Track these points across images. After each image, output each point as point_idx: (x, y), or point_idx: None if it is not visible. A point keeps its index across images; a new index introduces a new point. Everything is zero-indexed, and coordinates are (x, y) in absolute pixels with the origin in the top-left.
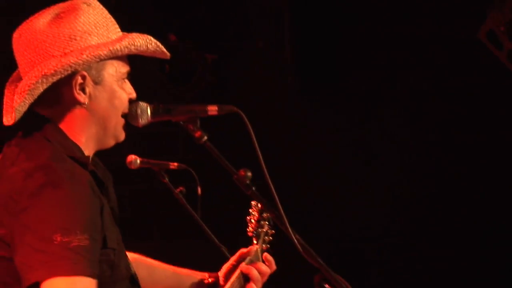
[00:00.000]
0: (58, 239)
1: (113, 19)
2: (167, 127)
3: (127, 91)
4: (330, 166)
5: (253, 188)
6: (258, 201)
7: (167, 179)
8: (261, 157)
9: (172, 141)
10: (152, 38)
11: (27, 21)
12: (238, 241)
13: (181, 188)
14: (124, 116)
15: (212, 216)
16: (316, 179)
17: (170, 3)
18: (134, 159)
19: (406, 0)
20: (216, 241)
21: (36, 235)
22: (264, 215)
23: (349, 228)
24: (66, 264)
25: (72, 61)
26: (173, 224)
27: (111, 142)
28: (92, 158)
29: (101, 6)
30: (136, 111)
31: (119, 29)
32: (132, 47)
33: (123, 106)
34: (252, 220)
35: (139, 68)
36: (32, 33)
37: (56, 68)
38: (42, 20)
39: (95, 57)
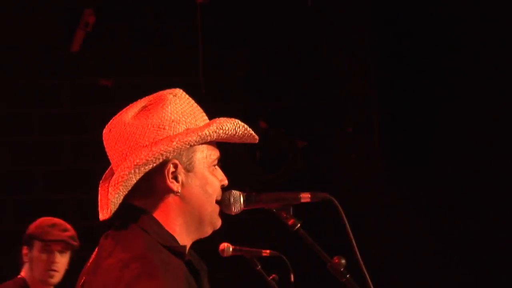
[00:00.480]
0: None
1: (199, 108)
2: (258, 214)
3: (219, 178)
4: (424, 250)
5: (348, 276)
6: None
7: (259, 267)
8: (355, 244)
9: (264, 228)
10: (240, 122)
11: (116, 116)
12: None
13: (273, 275)
14: (217, 203)
15: None
16: (411, 264)
17: (260, 90)
18: (226, 247)
19: (502, 81)
20: None
21: None
22: None
23: None
24: None
25: (162, 149)
26: None
27: (208, 230)
28: (189, 249)
29: (187, 96)
30: (229, 199)
31: (206, 117)
32: (221, 131)
33: (216, 192)
34: None
35: (230, 155)
36: (121, 126)
37: (147, 158)
38: (130, 113)
39: (185, 144)
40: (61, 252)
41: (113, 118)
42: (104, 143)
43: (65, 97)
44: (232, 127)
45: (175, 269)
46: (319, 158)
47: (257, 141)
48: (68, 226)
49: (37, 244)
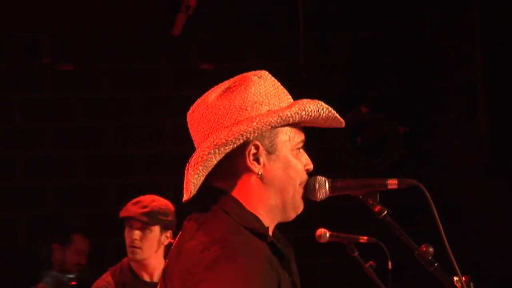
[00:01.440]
0: None
1: (285, 90)
2: (354, 200)
3: (303, 162)
4: None
5: (436, 264)
6: (441, 278)
7: (357, 253)
8: (443, 232)
9: (358, 214)
10: (324, 104)
11: (201, 97)
12: None
13: (371, 262)
14: (301, 187)
15: None
16: (507, 258)
17: (361, 75)
18: (323, 233)
19: None
20: None
21: None
22: None
23: None
24: None
25: (242, 129)
26: None
27: (291, 214)
28: (273, 231)
29: (273, 78)
30: (314, 185)
31: (291, 99)
32: (303, 112)
33: (300, 176)
34: None
35: (330, 140)
36: (204, 107)
37: (227, 138)
38: (213, 94)
39: (266, 124)
40: (140, 229)
41: (198, 99)
42: (188, 124)
43: (165, 80)
44: (315, 108)
45: (255, 251)
46: (420, 145)
47: (343, 125)
48: (152, 203)
49: (125, 223)
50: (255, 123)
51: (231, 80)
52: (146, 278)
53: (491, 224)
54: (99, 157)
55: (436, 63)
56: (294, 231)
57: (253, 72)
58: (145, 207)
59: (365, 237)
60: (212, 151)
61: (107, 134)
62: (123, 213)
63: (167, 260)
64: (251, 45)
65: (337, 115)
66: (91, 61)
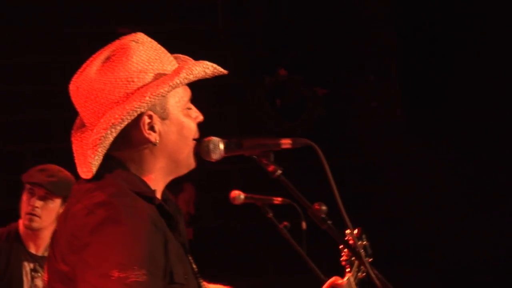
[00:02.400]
0: (116, 275)
1: (164, 50)
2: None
3: (194, 117)
4: (441, 196)
5: (329, 222)
6: (334, 236)
7: (271, 214)
8: (336, 191)
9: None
10: (208, 63)
11: (80, 70)
12: (343, 276)
13: (285, 223)
14: (194, 141)
15: (317, 250)
16: (429, 210)
17: (280, 37)
18: (237, 195)
19: None
20: (321, 275)
21: (95, 271)
22: (360, 243)
23: (467, 260)
24: None
25: (136, 105)
26: (278, 259)
27: (183, 171)
28: (163, 192)
29: (150, 40)
30: (208, 146)
31: (172, 59)
32: (191, 76)
33: (193, 133)
34: (346, 249)
35: (249, 103)
36: (88, 83)
37: (122, 116)
38: (94, 67)
39: (157, 96)
40: (43, 197)
41: (78, 72)
42: (73, 100)
43: (83, 45)
44: (201, 69)
45: (139, 212)
46: (339, 106)
47: (227, 72)
48: (59, 173)
49: (25, 188)
50: (147, 97)
51: (109, 48)
52: (32, 249)
53: (409, 179)
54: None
55: (353, 25)
56: (212, 193)
57: (129, 38)
58: (52, 176)
59: (279, 199)
60: (109, 131)
61: (26, 98)
62: (27, 179)
63: (56, 225)
64: (169, 9)
65: (221, 68)
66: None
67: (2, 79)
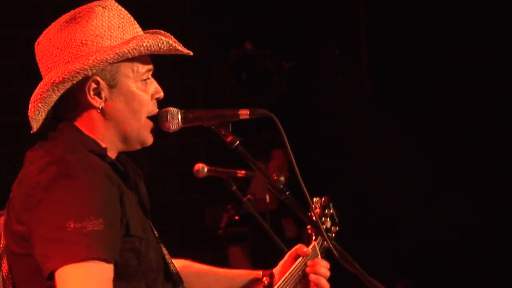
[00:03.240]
0: (72, 225)
1: (132, 20)
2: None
3: (151, 92)
4: (407, 171)
5: (287, 193)
6: (292, 206)
7: (235, 187)
8: (294, 161)
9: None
10: (163, 38)
11: (47, 28)
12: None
13: (249, 196)
14: (151, 118)
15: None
16: (394, 185)
17: (246, 12)
18: (201, 168)
19: (486, 5)
20: (285, 248)
21: (50, 225)
22: (327, 211)
23: (431, 234)
24: (80, 249)
25: (78, 67)
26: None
27: (135, 145)
28: (118, 156)
29: (119, 8)
30: (166, 116)
31: (139, 30)
32: (141, 48)
33: (146, 108)
34: (312, 217)
35: (214, 76)
36: (48, 40)
37: (64, 76)
38: (57, 26)
39: (101, 62)
40: None
41: (45, 30)
42: (36, 56)
43: (48, 17)
44: (154, 43)
45: (93, 166)
46: (305, 80)
47: (191, 54)
48: None
49: None
50: (91, 61)
51: (77, 10)
52: None
53: (375, 154)
54: None
55: None
56: (180, 168)
57: (97, 2)
58: None
59: (243, 171)
60: (50, 89)
61: None
62: None
63: (12, 191)
64: None
65: (181, 47)
66: None
67: None
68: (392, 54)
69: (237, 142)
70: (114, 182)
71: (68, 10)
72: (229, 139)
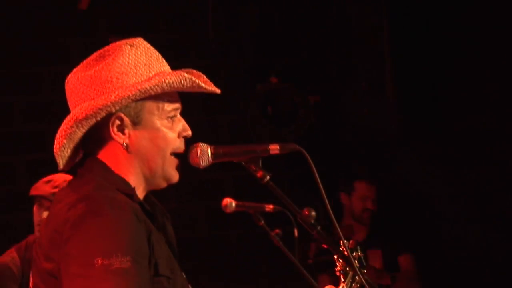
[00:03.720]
0: (99, 262)
1: (160, 58)
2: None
3: (178, 129)
4: (436, 206)
5: (319, 228)
6: (324, 241)
7: (263, 222)
8: (325, 196)
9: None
10: (186, 75)
11: (77, 66)
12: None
13: (277, 230)
14: (176, 155)
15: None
16: (423, 216)
17: (272, 45)
18: (229, 203)
19: None
20: (314, 283)
21: (78, 261)
22: (354, 254)
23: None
24: (108, 286)
25: (101, 103)
26: (270, 267)
27: (161, 183)
28: (146, 196)
29: (147, 46)
30: (196, 152)
31: (167, 67)
32: (164, 84)
33: (171, 145)
34: (340, 259)
35: (241, 110)
36: (76, 78)
37: (87, 112)
38: (86, 63)
39: (124, 98)
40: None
41: (75, 68)
42: (65, 94)
43: (75, 55)
44: (177, 80)
45: (121, 204)
46: (331, 114)
47: (219, 91)
48: (64, 184)
49: (35, 200)
50: (113, 97)
51: (106, 48)
52: None
53: (401, 189)
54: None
55: (346, 32)
56: (207, 202)
57: (126, 40)
58: (56, 186)
59: (271, 206)
60: (75, 125)
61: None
62: (33, 192)
63: (40, 229)
64: (160, 18)
65: (205, 85)
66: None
67: None
68: (418, 87)
69: (267, 177)
70: (141, 221)
71: (94, 49)
72: (260, 174)
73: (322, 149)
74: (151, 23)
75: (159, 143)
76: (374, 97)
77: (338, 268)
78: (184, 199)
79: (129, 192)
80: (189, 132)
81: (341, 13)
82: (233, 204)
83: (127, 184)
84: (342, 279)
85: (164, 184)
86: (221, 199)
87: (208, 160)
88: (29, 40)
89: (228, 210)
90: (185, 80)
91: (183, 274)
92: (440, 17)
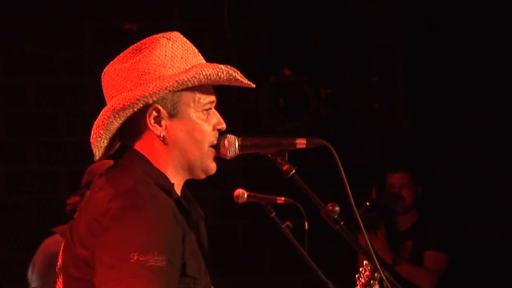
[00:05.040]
0: (135, 257)
1: (196, 52)
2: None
3: (213, 122)
4: (441, 200)
5: (342, 223)
6: (346, 236)
7: (274, 214)
8: (349, 191)
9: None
10: (222, 67)
11: (114, 59)
12: (344, 277)
13: (288, 223)
14: (214, 147)
15: (319, 251)
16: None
17: (285, 38)
18: (241, 193)
19: None
20: (323, 276)
21: (114, 253)
22: (376, 275)
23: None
24: (140, 282)
25: (138, 94)
26: (280, 259)
27: (200, 174)
28: (183, 191)
29: (184, 40)
30: (224, 143)
31: (203, 61)
32: (201, 76)
33: (207, 138)
34: (361, 278)
35: (253, 102)
36: (113, 70)
37: (124, 103)
38: (123, 56)
39: (161, 89)
40: None
41: (112, 61)
42: (102, 86)
43: (89, 40)
44: (214, 72)
45: (162, 202)
46: (342, 107)
47: (252, 86)
48: None
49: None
50: (151, 88)
51: (143, 41)
52: None
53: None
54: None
55: (359, 26)
56: (216, 191)
57: (163, 34)
58: None
59: (283, 198)
60: (112, 115)
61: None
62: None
63: (76, 214)
64: (175, 5)
65: (240, 76)
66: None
67: (7, 70)
68: (429, 81)
69: (293, 171)
70: (179, 221)
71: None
72: (286, 167)
73: (332, 142)
74: (165, 10)
75: (196, 136)
76: (385, 92)
77: (363, 281)
78: (193, 188)
79: (168, 188)
80: (224, 126)
81: (354, 6)
82: (245, 195)
83: (166, 179)
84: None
85: (203, 176)
86: (231, 190)
87: (235, 151)
88: (42, 22)
89: (240, 201)
90: (222, 72)
91: (208, 275)
92: (454, 11)
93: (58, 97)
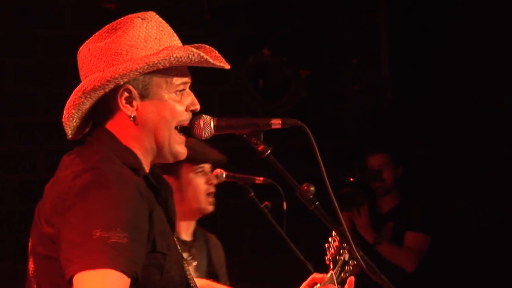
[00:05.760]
0: (98, 234)
1: (171, 32)
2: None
3: (186, 103)
4: (426, 182)
5: (317, 203)
6: (321, 216)
7: (252, 194)
8: (324, 172)
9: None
10: (194, 50)
11: (89, 38)
12: (322, 256)
13: (266, 203)
14: (184, 132)
15: (297, 231)
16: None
17: (264, 19)
18: (220, 173)
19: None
20: (301, 256)
21: (77, 230)
22: (345, 244)
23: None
24: (101, 258)
25: (109, 75)
26: (258, 239)
27: (168, 158)
28: (151, 169)
29: (159, 20)
30: (199, 123)
31: (178, 42)
32: (171, 58)
33: (177, 118)
34: (331, 248)
35: (232, 83)
36: (88, 49)
37: (95, 84)
38: (98, 35)
39: (131, 71)
40: None
41: (87, 40)
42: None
43: (66, 18)
44: (185, 54)
45: (126, 178)
46: (322, 88)
47: (228, 67)
48: None
49: None
50: (121, 70)
51: (118, 21)
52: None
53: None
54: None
55: (339, 6)
56: None
57: (138, 14)
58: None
59: (261, 178)
60: (83, 95)
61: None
62: None
63: (44, 193)
64: None
65: (213, 60)
66: None
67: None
68: (412, 63)
69: (269, 151)
70: (145, 197)
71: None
72: (261, 148)
73: (311, 123)
74: None
75: (165, 115)
76: (366, 73)
77: (328, 257)
78: None
79: (136, 166)
80: (198, 106)
81: None
82: (224, 175)
83: (134, 156)
84: (331, 267)
85: (171, 159)
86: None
87: (211, 131)
88: (20, 1)
89: (219, 180)
90: (193, 55)
91: (179, 250)
92: None
93: (37, 77)
